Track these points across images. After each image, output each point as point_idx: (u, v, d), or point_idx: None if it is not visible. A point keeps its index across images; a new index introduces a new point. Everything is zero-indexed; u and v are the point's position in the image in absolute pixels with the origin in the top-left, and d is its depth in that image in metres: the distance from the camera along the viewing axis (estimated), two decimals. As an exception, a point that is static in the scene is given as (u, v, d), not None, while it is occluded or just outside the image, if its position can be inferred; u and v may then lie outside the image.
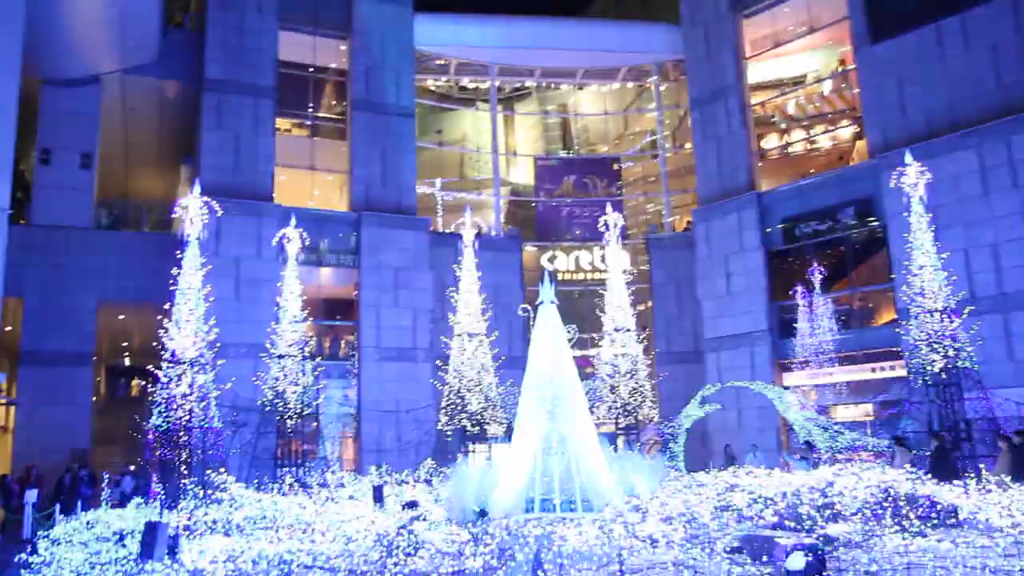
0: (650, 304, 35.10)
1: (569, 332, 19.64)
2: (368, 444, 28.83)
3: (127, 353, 36.70)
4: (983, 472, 16.55)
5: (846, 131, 33.44)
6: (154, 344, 18.19)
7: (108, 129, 30.80)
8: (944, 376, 18.23)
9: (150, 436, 17.21)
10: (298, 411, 22.14)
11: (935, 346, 18.43)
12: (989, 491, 12.96)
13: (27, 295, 26.75)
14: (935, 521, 14.02)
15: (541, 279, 19.31)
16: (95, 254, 28.10)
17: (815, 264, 28.28)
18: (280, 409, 22.00)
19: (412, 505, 17.47)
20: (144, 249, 28.64)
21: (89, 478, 23.06)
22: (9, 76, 20.98)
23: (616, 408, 23.77)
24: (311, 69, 33.53)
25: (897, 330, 24.18)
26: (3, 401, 27.57)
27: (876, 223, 28.41)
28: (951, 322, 18.51)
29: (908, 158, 20.10)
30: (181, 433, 17.06)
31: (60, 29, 26.67)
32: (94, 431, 27.43)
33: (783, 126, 35.08)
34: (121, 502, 18.61)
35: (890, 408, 21.37)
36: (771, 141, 35.06)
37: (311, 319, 24.57)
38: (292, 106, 32.83)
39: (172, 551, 12.13)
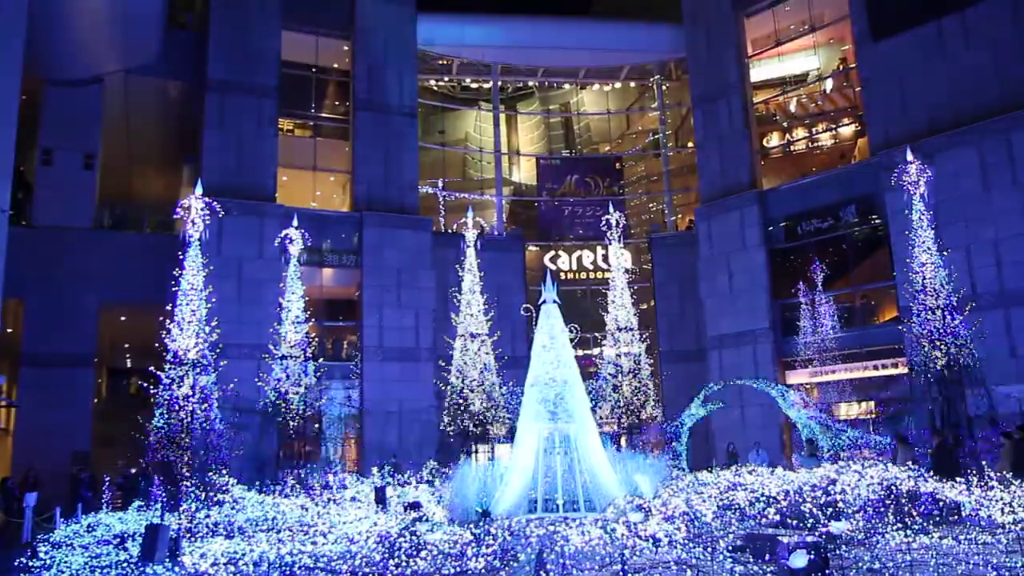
0: (652, 303, 35.07)
1: (571, 332, 19.63)
2: (371, 445, 28.82)
3: (129, 354, 36.70)
4: (985, 468, 16.52)
5: (847, 129, 33.40)
6: (156, 345, 18.18)
7: (110, 130, 30.83)
8: (946, 373, 18.19)
9: (152, 438, 17.20)
10: (300, 412, 22.11)
11: (937, 343, 18.40)
12: (991, 487, 12.92)
13: (28, 296, 26.76)
14: (937, 518, 13.99)
15: (543, 279, 19.30)
16: (97, 255, 28.08)
17: (817, 262, 28.24)
18: (283, 410, 21.98)
19: (414, 506, 17.46)
20: (146, 250, 28.62)
21: (90, 480, 23.06)
22: (10, 76, 20.99)
23: (619, 408, 23.73)
24: (314, 69, 33.54)
25: (899, 327, 24.17)
26: (3, 403, 27.55)
27: (878, 221, 28.38)
28: (953, 319, 18.47)
29: (909, 156, 20.06)
30: (183, 435, 17.05)
31: (62, 29, 26.70)
32: (95, 433, 27.40)
33: (785, 125, 35.05)
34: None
35: (892, 406, 21.34)
36: (773, 140, 35.03)
37: (313, 320, 24.56)
38: (295, 106, 32.85)
39: (173, 554, 12.13)
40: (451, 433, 24.03)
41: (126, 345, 35.50)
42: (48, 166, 28.73)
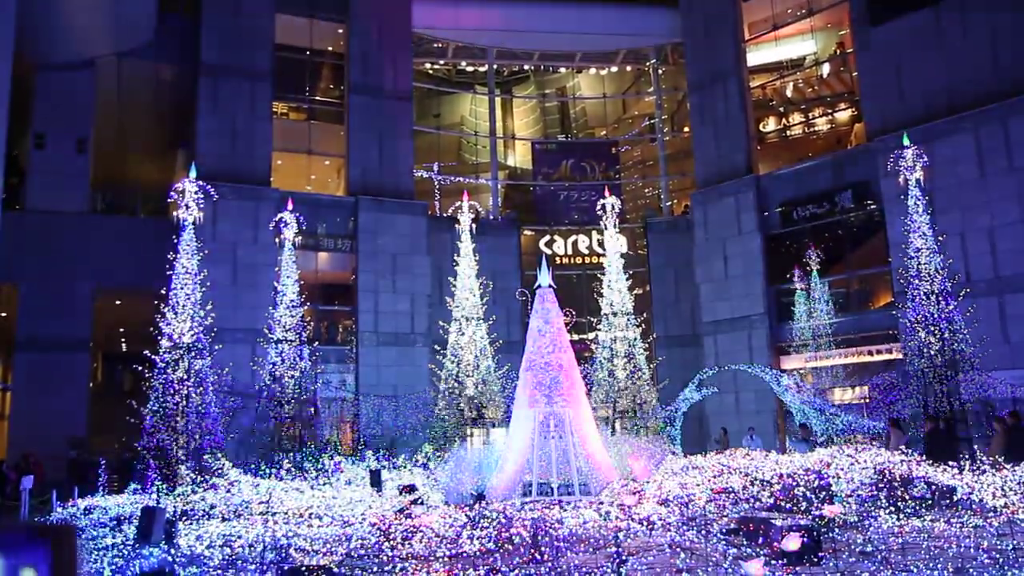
0: (648, 288, 35.08)
1: (567, 316, 19.67)
2: (366, 429, 28.84)
3: (124, 339, 36.65)
4: (977, 453, 16.62)
5: (844, 114, 33.34)
6: (151, 330, 18.17)
7: (103, 114, 30.64)
8: (940, 358, 18.27)
9: (147, 422, 17.22)
10: (296, 396, 22.12)
11: (931, 329, 18.47)
12: (983, 472, 13.00)
13: (22, 281, 26.71)
14: (930, 502, 14.09)
15: (539, 263, 19.30)
16: (91, 240, 28.01)
17: (812, 247, 28.28)
18: (278, 394, 22.00)
19: (410, 489, 17.53)
20: (140, 234, 28.55)
21: (88, 464, 23.05)
22: (2, 60, 20.85)
23: (614, 392, 23.77)
24: (308, 53, 33.33)
25: (894, 313, 24.22)
26: (-1, 387, 27.56)
27: (873, 206, 28.38)
28: (947, 305, 18.53)
29: (905, 141, 20.06)
30: (178, 418, 17.07)
31: (54, 12, 26.49)
32: (91, 418, 27.39)
33: (781, 110, 34.98)
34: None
35: (887, 391, 21.40)
36: (769, 125, 34.95)
37: (308, 304, 24.55)
38: (289, 90, 32.62)
39: (169, 536, 12.16)
40: (446, 417, 24.09)
41: (121, 330, 35.44)
42: (41, 150, 28.57)
